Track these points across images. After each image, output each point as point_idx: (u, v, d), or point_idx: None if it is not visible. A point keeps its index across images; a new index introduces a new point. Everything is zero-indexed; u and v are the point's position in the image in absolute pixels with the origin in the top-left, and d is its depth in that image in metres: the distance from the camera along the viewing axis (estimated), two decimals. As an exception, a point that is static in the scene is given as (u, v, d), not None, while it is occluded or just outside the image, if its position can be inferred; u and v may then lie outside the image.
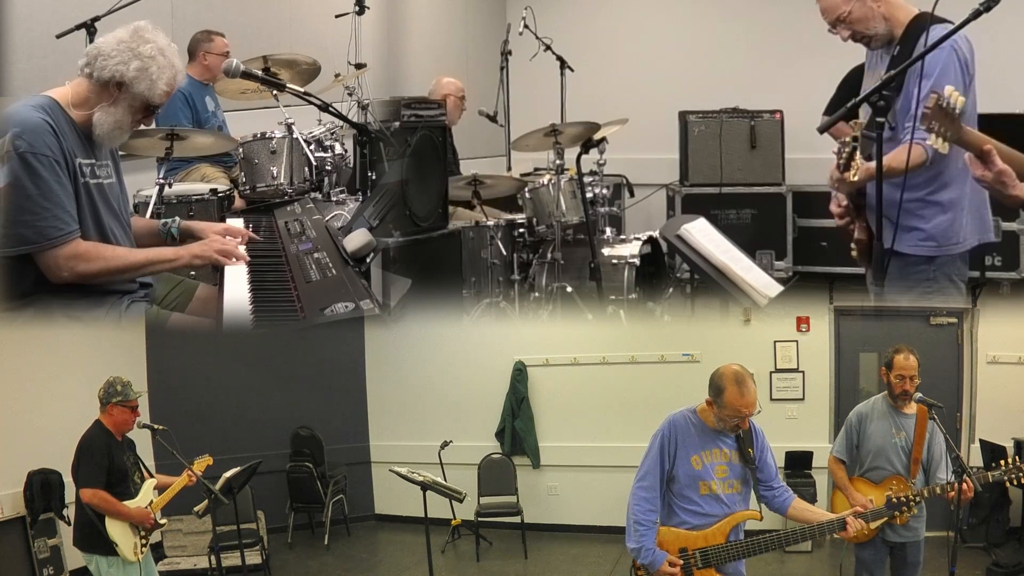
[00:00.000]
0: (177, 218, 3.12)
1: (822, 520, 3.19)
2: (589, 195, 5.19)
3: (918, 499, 3.39)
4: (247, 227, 3.54)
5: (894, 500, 3.35)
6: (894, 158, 2.96)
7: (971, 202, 3.21)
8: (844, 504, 3.66)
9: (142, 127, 3.34)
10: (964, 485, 3.37)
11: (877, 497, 3.64)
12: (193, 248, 2.89)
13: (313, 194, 4.42)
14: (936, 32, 2.96)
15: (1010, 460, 3.56)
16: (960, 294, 3.27)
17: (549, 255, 5.05)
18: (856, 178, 2.80)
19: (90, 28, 4.00)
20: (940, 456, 3.71)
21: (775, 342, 6.60)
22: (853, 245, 3.43)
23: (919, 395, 3.66)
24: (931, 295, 3.24)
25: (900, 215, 2.94)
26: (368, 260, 3.16)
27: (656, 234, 5.22)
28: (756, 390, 3.04)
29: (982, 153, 2.52)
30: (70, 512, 5.13)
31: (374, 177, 3.82)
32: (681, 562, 3.06)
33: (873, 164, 2.86)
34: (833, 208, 3.45)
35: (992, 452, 5.71)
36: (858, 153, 2.75)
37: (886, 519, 3.62)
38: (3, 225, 2.55)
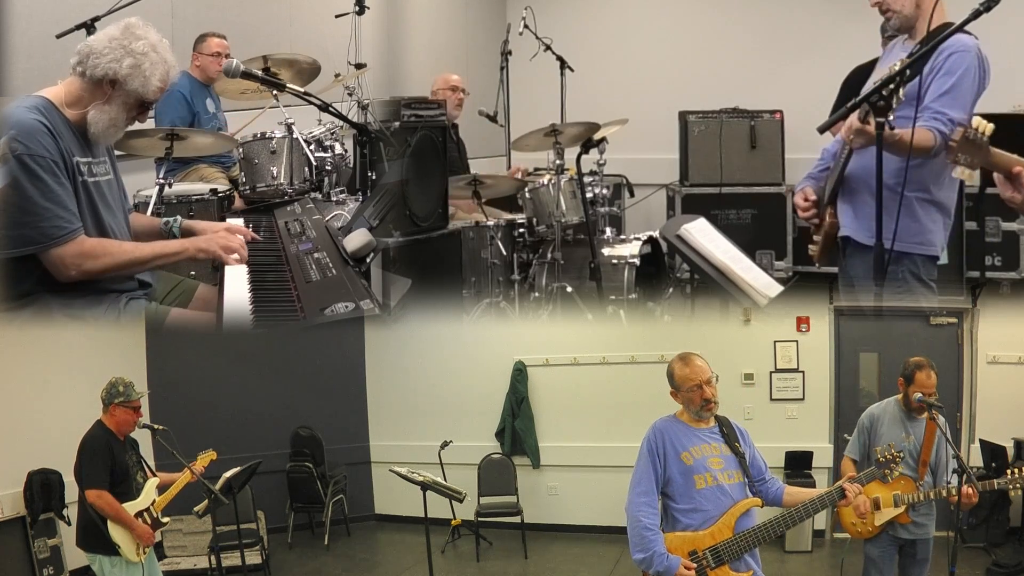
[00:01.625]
0: (179, 217, 3.12)
1: (820, 494, 3.15)
2: (589, 195, 5.19)
3: (901, 455, 3.38)
4: (247, 227, 3.54)
5: (880, 460, 3.34)
6: (906, 133, 2.90)
7: (941, 213, 3.18)
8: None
9: (142, 127, 3.34)
10: (969, 489, 3.38)
11: (885, 495, 3.67)
12: (198, 241, 2.89)
13: (313, 194, 4.42)
14: (957, 38, 2.95)
15: (1015, 470, 3.57)
16: (933, 295, 3.24)
17: (549, 255, 5.05)
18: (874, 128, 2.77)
19: (90, 28, 3.99)
20: (945, 459, 3.73)
21: (775, 342, 6.60)
22: (814, 240, 3.41)
23: (919, 395, 3.67)
24: (902, 295, 3.21)
25: (879, 205, 2.90)
26: (368, 260, 3.15)
27: (656, 234, 5.22)
28: (704, 362, 3.10)
29: (1011, 175, 2.48)
30: (70, 512, 5.14)
31: (374, 177, 3.81)
32: (695, 565, 2.98)
33: (895, 132, 2.83)
34: (798, 201, 3.42)
35: (992, 452, 5.72)
36: (900, 91, 2.70)
37: (893, 516, 3.69)
38: (4, 227, 2.55)
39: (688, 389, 3.08)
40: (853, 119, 2.92)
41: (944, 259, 3.29)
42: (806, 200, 3.39)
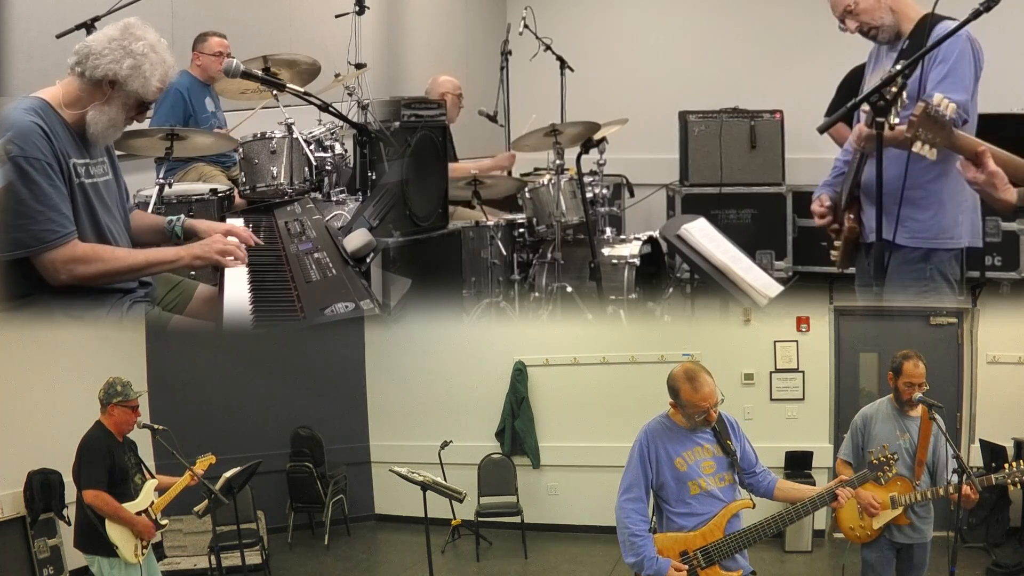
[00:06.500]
0: (182, 216, 3.11)
1: (812, 495, 3.16)
2: (589, 195, 5.19)
3: (895, 457, 3.37)
4: (247, 227, 3.54)
5: (874, 462, 3.33)
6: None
7: (967, 202, 3.20)
8: (852, 505, 3.64)
9: (142, 127, 3.34)
10: (968, 489, 3.37)
11: (882, 497, 3.65)
12: (193, 248, 2.88)
13: (313, 194, 4.42)
14: (944, 27, 2.96)
15: (1013, 464, 3.56)
16: (954, 293, 3.25)
17: (549, 255, 5.05)
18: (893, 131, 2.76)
19: (90, 28, 3.99)
20: (944, 458, 3.72)
21: (775, 342, 6.59)
22: (835, 245, 3.41)
23: (919, 395, 3.67)
24: (927, 294, 3.22)
25: (900, 202, 2.91)
26: (368, 260, 3.16)
27: (656, 234, 5.22)
28: (712, 381, 3.04)
29: (975, 155, 2.49)
30: (70, 512, 5.13)
31: (374, 177, 3.82)
32: (686, 567, 3.02)
33: (903, 127, 2.83)
34: (815, 208, 3.43)
35: (992, 452, 5.71)
36: (902, 96, 2.69)
37: (891, 519, 3.68)
38: (1, 229, 2.54)
39: (693, 414, 3.05)
40: (862, 127, 2.92)
41: (979, 243, 3.29)
42: (823, 207, 3.40)
